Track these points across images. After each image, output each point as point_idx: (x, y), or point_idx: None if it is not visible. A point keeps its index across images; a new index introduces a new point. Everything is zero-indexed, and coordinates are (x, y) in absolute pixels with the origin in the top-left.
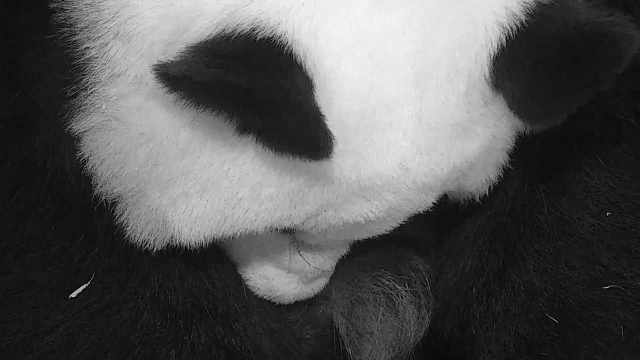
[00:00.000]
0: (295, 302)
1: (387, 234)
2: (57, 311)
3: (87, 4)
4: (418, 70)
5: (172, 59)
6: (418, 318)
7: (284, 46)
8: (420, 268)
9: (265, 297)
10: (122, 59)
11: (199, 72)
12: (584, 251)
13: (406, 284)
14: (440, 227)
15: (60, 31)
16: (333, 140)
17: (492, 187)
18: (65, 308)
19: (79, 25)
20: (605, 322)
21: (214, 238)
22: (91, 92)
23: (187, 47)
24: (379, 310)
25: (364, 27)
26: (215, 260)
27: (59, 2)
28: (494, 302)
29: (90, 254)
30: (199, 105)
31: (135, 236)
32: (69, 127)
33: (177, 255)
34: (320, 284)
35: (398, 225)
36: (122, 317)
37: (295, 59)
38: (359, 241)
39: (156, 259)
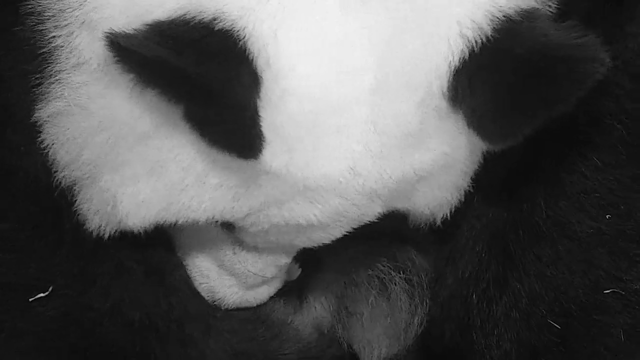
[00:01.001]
0: (282, 320)
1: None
2: (19, 316)
3: None
4: (378, 76)
5: (126, 31)
6: (410, 307)
7: (239, 40)
8: (417, 262)
9: (208, 298)
10: (86, 48)
11: (148, 47)
12: (583, 255)
13: (401, 272)
14: (439, 231)
15: (27, 20)
16: (263, 143)
17: (452, 210)
18: (27, 313)
19: (46, 14)
20: (605, 326)
21: (157, 223)
22: (55, 80)
23: (145, 25)
24: (371, 293)
25: (326, 31)
26: (178, 280)
27: None
28: (494, 307)
29: (58, 256)
30: (142, 82)
31: (89, 221)
32: (34, 117)
33: (139, 267)
34: (263, 292)
35: (341, 236)
36: (81, 326)
37: (247, 55)
38: (304, 249)
39: (119, 268)
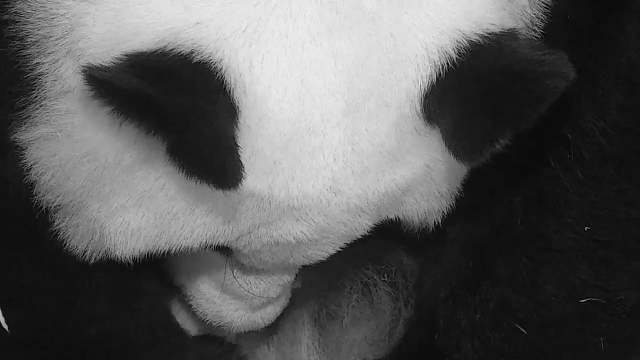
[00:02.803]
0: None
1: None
2: None
3: (39, 18)
4: (348, 99)
5: (103, 64)
6: (394, 310)
7: (216, 72)
8: (404, 262)
9: (214, 324)
10: (71, 77)
11: (122, 79)
12: (561, 265)
13: (385, 275)
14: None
15: (10, 44)
16: (242, 173)
17: (445, 216)
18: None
19: (29, 39)
20: (586, 334)
21: (149, 252)
22: (40, 106)
23: (123, 56)
24: (353, 296)
25: (298, 56)
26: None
27: (11, 14)
28: (460, 310)
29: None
30: (120, 114)
31: (73, 246)
32: (13, 137)
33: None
34: (270, 313)
35: (335, 252)
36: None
37: (225, 86)
38: (305, 267)
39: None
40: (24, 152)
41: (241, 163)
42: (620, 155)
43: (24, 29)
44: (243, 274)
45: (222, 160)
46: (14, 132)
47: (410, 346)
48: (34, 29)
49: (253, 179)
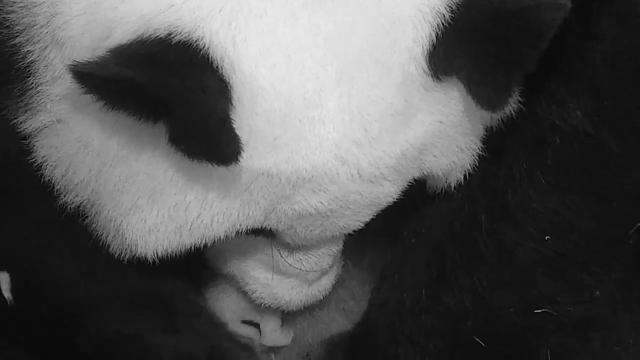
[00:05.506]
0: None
1: None
2: None
3: (21, 7)
4: (337, 69)
5: (87, 60)
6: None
7: (200, 49)
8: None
9: (272, 305)
10: (59, 64)
11: (103, 67)
12: (521, 276)
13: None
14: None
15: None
16: (240, 144)
17: (466, 175)
18: None
19: (16, 28)
20: (534, 346)
21: (175, 249)
22: (37, 92)
23: (106, 51)
24: None
25: (280, 31)
26: None
27: None
28: (424, 318)
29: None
30: (109, 105)
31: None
32: (18, 127)
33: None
34: (325, 284)
35: (367, 219)
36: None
37: (211, 62)
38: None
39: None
40: (32, 149)
41: (237, 135)
42: (580, 159)
43: (8, 18)
44: (291, 253)
45: (217, 132)
46: (19, 121)
47: (368, 348)
48: (18, 17)
49: (258, 159)
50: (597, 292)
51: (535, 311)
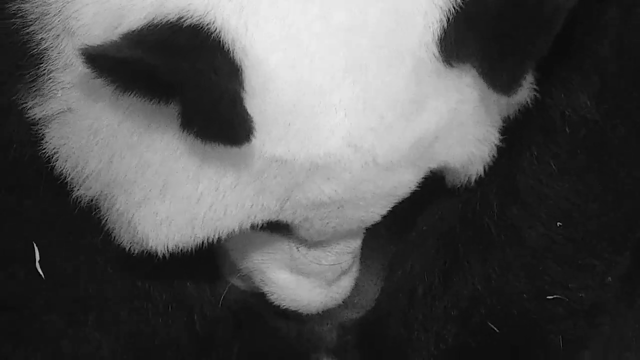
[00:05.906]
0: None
1: None
2: None
3: None
4: (348, 57)
5: (98, 43)
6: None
7: (211, 33)
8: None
9: (292, 308)
10: (71, 52)
11: (115, 49)
12: (531, 261)
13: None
14: (398, 224)
15: (12, 21)
16: (252, 124)
17: (485, 166)
18: None
19: (30, 16)
20: (546, 332)
21: (187, 242)
22: (48, 79)
23: (118, 36)
24: None
25: (292, 18)
26: None
27: None
28: (437, 304)
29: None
30: (117, 87)
31: (119, 239)
32: (28, 113)
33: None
34: (345, 285)
35: (384, 212)
36: None
37: (222, 45)
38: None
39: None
40: (42, 139)
41: (249, 115)
42: (590, 147)
43: (22, 8)
44: (309, 250)
45: (229, 113)
46: (29, 108)
47: (378, 338)
48: (32, 6)
49: (271, 145)
50: (609, 278)
51: (548, 297)
